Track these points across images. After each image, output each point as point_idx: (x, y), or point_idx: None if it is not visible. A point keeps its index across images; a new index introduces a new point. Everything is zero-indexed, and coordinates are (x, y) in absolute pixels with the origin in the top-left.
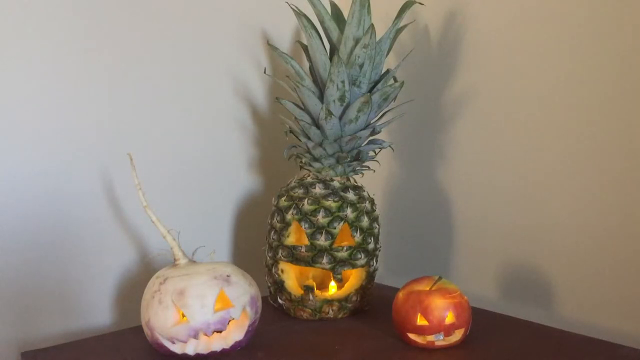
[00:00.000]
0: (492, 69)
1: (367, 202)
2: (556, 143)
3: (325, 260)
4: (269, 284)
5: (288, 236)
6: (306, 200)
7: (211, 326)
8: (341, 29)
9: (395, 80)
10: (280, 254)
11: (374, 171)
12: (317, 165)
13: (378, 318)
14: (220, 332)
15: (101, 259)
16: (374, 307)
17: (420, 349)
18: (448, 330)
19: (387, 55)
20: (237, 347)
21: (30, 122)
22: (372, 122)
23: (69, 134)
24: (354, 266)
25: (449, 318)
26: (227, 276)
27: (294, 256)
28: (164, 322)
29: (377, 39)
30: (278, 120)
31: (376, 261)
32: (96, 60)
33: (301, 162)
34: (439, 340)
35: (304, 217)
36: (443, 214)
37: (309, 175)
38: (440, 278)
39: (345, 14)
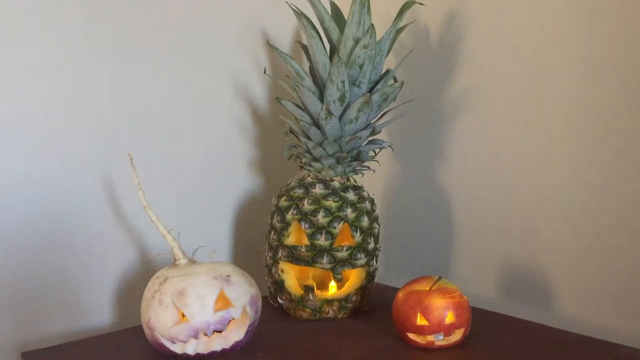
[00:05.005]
0: (492, 69)
1: (367, 202)
2: (556, 142)
3: (325, 260)
4: (269, 284)
5: (288, 236)
6: (306, 200)
7: (211, 326)
8: (341, 29)
9: (395, 80)
10: (280, 254)
11: (374, 171)
12: (317, 165)
13: (378, 318)
14: (220, 332)
15: (101, 259)
16: (374, 307)
17: (420, 349)
18: (448, 330)
19: (387, 55)
20: (237, 347)
21: (30, 123)
22: (372, 122)
23: (69, 134)
24: (354, 266)
25: (449, 318)
26: (227, 276)
27: (294, 256)
28: (164, 322)
29: (377, 39)
30: (278, 120)
31: (376, 261)
32: (96, 61)
33: (301, 162)
34: (439, 340)
35: (304, 217)
36: (443, 214)
37: (309, 175)
38: (440, 278)
39: (345, 14)
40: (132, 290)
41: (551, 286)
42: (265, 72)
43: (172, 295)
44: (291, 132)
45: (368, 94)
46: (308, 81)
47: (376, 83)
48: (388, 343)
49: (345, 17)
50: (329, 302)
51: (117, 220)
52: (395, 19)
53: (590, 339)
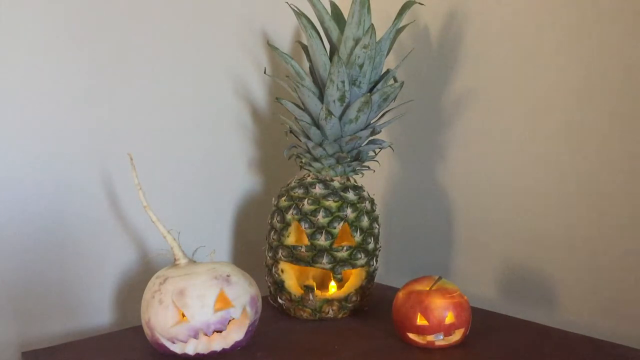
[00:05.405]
0: (492, 69)
1: (367, 202)
2: (556, 143)
3: (325, 260)
4: (269, 284)
5: (288, 236)
6: (306, 200)
7: (211, 326)
8: (341, 29)
9: (395, 80)
10: (280, 254)
11: (374, 171)
12: (317, 165)
13: (378, 318)
14: (220, 332)
15: (101, 259)
16: (374, 307)
17: (420, 349)
18: (448, 330)
19: (387, 55)
20: (237, 347)
21: (30, 123)
22: (372, 122)
23: (69, 134)
24: (354, 266)
25: (449, 318)
26: (227, 276)
27: (294, 256)
28: (164, 322)
29: (377, 39)
30: (278, 120)
31: (376, 261)
32: (96, 61)
33: (301, 162)
34: (439, 340)
35: (304, 217)
36: (443, 213)
37: (309, 175)
38: (440, 278)
39: (345, 14)
40: (132, 290)
41: (551, 286)
42: (265, 72)
43: (172, 295)
44: (291, 132)
45: (368, 94)
46: (308, 81)
47: (376, 83)
48: (388, 343)
49: (345, 17)
50: (329, 302)
51: (117, 220)
52: (395, 19)
53: (590, 339)
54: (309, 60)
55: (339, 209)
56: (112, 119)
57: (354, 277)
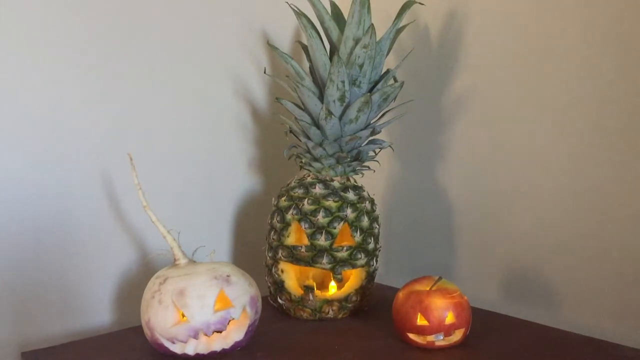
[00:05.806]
0: (492, 69)
1: (367, 202)
2: (557, 143)
3: (325, 260)
4: (269, 284)
5: (288, 236)
6: (306, 200)
7: (211, 326)
8: (341, 29)
9: (395, 80)
10: (280, 254)
11: (374, 171)
12: (317, 165)
13: (378, 318)
14: (220, 332)
15: (101, 259)
16: (374, 307)
17: (420, 349)
18: (448, 330)
19: (387, 55)
20: (237, 347)
21: (30, 123)
22: (372, 122)
23: (69, 134)
24: (354, 266)
25: (449, 318)
26: (227, 276)
27: (294, 256)
28: (164, 322)
29: (377, 39)
30: (278, 120)
31: (376, 261)
32: (96, 61)
33: (301, 162)
34: (439, 340)
35: (304, 217)
36: (443, 214)
37: (309, 175)
38: (440, 278)
39: (345, 14)
40: (132, 290)
41: (551, 286)
42: (265, 72)
43: (172, 295)
44: (291, 132)
45: (368, 94)
46: (308, 81)
47: (376, 83)
48: (388, 343)
49: (345, 17)
50: (329, 302)
51: (117, 220)
52: (395, 19)
53: (590, 339)
54: (309, 60)
55: (339, 209)
56: (112, 119)
57: (354, 277)
